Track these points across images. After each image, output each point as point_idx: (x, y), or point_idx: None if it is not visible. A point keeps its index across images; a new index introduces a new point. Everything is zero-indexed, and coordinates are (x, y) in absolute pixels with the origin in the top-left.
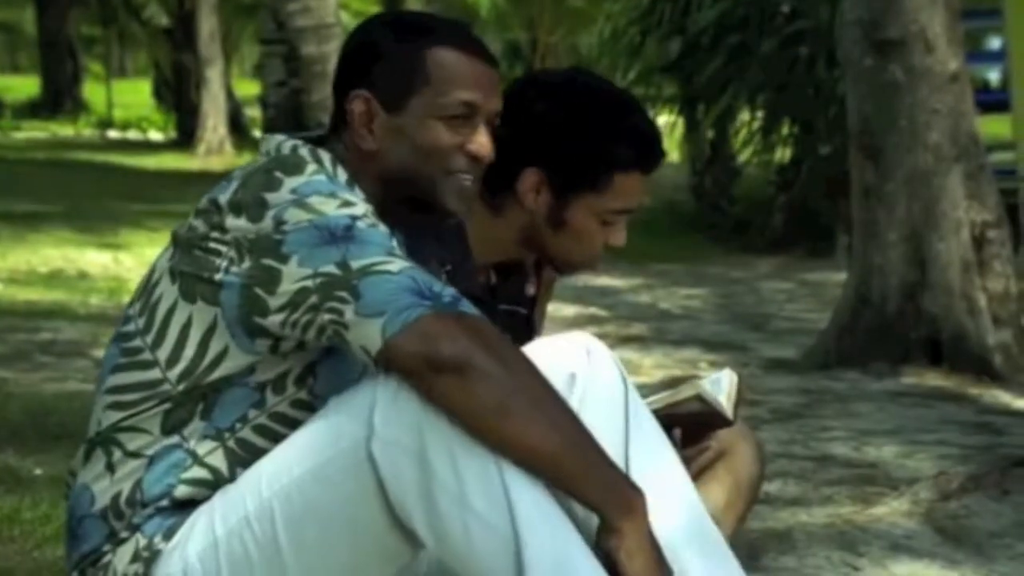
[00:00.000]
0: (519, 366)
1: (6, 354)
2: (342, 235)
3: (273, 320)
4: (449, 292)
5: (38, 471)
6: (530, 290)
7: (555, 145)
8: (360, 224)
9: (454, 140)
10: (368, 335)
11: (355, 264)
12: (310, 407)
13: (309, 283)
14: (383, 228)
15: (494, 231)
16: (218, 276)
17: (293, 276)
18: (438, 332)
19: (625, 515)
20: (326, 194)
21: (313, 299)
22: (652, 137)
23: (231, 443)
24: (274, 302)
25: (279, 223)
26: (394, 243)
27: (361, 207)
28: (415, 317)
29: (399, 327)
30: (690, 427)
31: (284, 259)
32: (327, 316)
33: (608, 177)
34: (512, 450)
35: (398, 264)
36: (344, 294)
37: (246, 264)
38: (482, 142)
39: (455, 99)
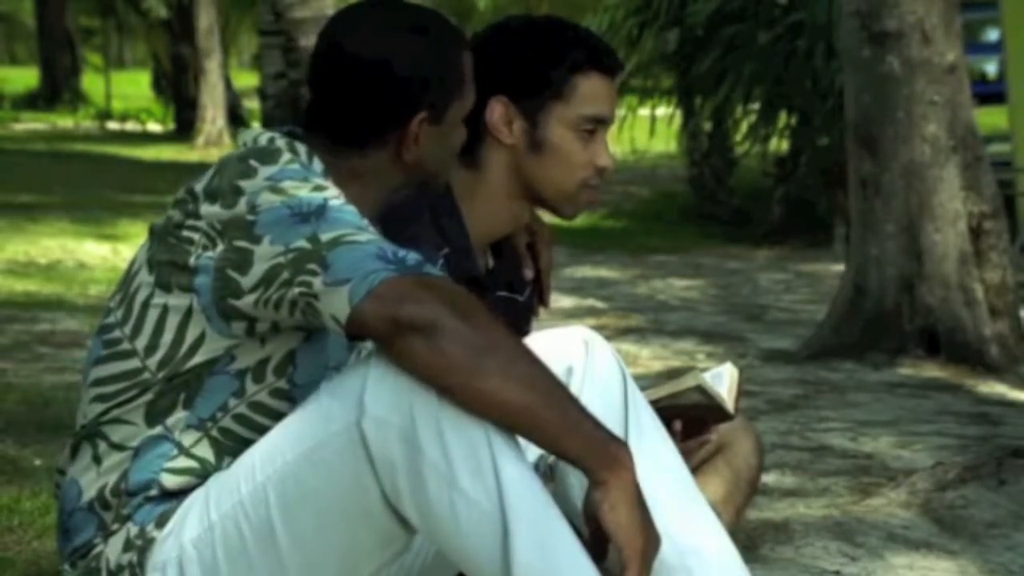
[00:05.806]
0: (488, 325)
1: (5, 345)
2: (314, 213)
3: (247, 300)
4: (414, 256)
5: (37, 461)
6: (528, 274)
7: (510, 64)
8: (332, 203)
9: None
10: (336, 303)
11: (324, 237)
12: (290, 396)
13: (281, 259)
14: (354, 208)
15: (483, 191)
16: (192, 261)
17: (266, 255)
18: (403, 294)
19: (609, 467)
20: (299, 179)
21: (285, 275)
22: (599, 39)
23: (214, 432)
24: (247, 282)
25: (252, 207)
26: (366, 222)
27: (334, 191)
28: (379, 280)
29: (364, 292)
30: (690, 419)
31: (257, 240)
32: (298, 289)
33: (569, 81)
34: (488, 409)
35: (366, 236)
36: (314, 266)
37: (219, 248)
38: None
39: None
